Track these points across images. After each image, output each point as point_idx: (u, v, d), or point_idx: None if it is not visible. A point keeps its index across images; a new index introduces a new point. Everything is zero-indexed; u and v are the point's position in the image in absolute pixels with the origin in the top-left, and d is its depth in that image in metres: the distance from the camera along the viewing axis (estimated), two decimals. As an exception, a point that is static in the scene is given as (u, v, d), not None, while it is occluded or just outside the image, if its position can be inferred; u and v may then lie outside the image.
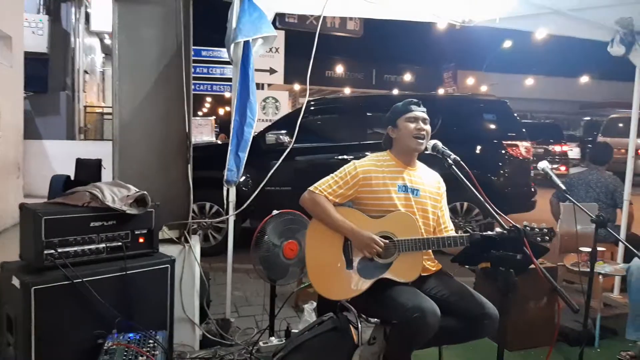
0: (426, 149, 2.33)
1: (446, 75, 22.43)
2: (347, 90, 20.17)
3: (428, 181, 2.44)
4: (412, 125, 2.35)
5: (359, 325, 2.38)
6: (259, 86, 9.02)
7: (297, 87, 17.83)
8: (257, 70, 8.58)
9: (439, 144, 2.28)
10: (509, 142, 5.83)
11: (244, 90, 3.11)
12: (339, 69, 21.10)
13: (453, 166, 2.13)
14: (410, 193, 2.36)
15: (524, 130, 6.08)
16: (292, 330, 2.96)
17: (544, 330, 3.05)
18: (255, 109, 3.15)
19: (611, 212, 4.29)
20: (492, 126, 6.02)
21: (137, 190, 2.49)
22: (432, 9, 3.29)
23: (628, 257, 3.94)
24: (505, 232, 1.74)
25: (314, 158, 5.72)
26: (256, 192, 3.23)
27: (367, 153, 5.51)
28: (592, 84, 21.93)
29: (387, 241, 2.22)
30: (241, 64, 3.09)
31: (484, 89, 20.71)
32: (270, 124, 6.38)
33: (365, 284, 2.23)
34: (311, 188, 2.38)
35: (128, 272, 2.34)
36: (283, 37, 8.91)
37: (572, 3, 3.60)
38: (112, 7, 2.90)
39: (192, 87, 3.05)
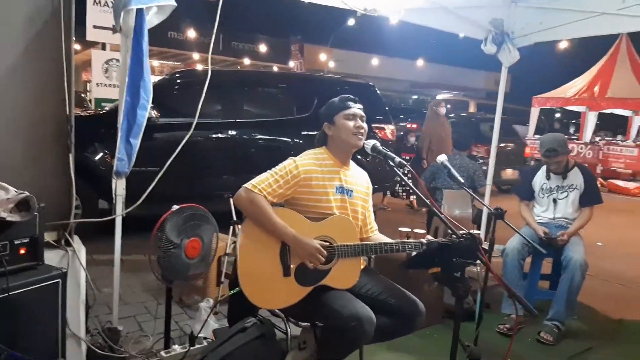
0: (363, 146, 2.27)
1: (293, 47, 22.63)
2: (196, 56, 19.16)
3: (360, 181, 2.40)
4: (351, 123, 2.27)
5: (289, 330, 2.28)
6: (102, 46, 8.04)
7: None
8: (98, 27, 7.59)
9: (378, 145, 2.23)
10: (377, 125, 6.08)
11: (136, 67, 2.69)
12: (185, 31, 19.79)
13: (395, 168, 2.10)
14: (346, 194, 2.29)
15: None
16: (199, 336, 2.73)
17: (434, 310, 3.28)
18: (149, 88, 2.75)
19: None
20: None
21: (18, 191, 2.00)
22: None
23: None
24: (462, 239, 1.77)
25: (181, 135, 5.26)
26: (154, 183, 2.82)
27: (232, 132, 5.39)
28: (421, 66, 24.14)
29: (328, 247, 2.13)
30: (133, 35, 2.66)
31: (331, 64, 21.41)
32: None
33: (303, 292, 2.11)
34: (248, 186, 2.15)
35: (11, 293, 1.89)
36: (130, -10, 7.96)
37: (455, 1, 3.82)
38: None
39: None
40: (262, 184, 2.15)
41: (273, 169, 2.24)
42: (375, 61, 22.50)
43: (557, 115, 26.29)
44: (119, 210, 2.76)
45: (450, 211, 4.01)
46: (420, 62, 23.53)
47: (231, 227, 3.75)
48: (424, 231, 3.45)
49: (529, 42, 4.22)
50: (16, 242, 2.00)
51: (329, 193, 2.24)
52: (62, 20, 2.43)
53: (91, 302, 2.93)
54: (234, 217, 3.83)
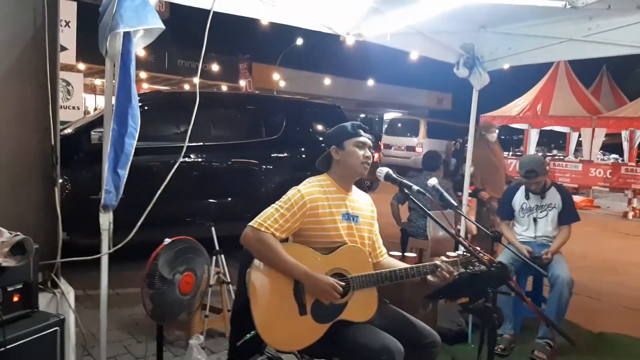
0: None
1: (242, 66, 22.54)
2: (143, 74, 18.60)
3: (364, 206, 2.35)
4: (361, 152, 2.22)
5: (304, 367, 2.18)
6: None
7: (81, 66, 15.66)
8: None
9: (391, 172, 2.20)
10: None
11: (124, 93, 2.53)
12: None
13: (411, 197, 2.08)
14: (352, 221, 2.23)
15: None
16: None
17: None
18: (137, 115, 2.59)
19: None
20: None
21: (12, 232, 1.81)
22: (324, 20, 3.18)
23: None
24: (492, 268, 1.76)
25: (144, 160, 4.96)
26: (143, 216, 2.63)
27: (201, 155, 5.24)
28: (368, 85, 24.71)
29: (343, 283, 2.05)
30: (120, 60, 2.51)
31: (282, 84, 21.45)
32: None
33: (321, 330, 2.03)
34: (255, 225, 2.04)
35: (8, 347, 1.69)
36: (75, 9, 7.64)
37: (430, 26, 3.90)
38: None
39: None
40: (269, 221, 2.06)
41: (277, 202, 2.15)
42: (322, 79, 22.82)
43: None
44: (105, 247, 2.56)
45: (435, 232, 4.04)
46: (368, 82, 24.09)
47: (214, 258, 3.61)
48: (414, 255, 3.46)
49: (498, 67, 4.38)
50: (9, 289, 1.81)
51: (337, 221, 2.18)
52: (47, 42, 2.26)
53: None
54: (217, 247, 3.70)
